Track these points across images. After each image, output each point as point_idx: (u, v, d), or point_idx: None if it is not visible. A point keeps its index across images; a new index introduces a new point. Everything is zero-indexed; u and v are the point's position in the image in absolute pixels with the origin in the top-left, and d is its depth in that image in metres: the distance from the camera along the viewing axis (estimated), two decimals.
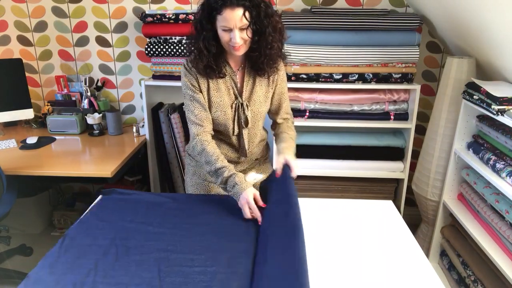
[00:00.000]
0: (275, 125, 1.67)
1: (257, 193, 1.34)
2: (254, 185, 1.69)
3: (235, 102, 1.49)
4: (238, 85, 1.50)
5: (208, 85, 1.47)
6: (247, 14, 1.29)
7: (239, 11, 1.28)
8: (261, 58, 1.41)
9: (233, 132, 1.53)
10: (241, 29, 1.31)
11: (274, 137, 1.67)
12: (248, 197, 1.31)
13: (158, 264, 1.09)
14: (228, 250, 1.16)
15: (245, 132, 1.55)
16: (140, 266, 1.09)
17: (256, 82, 1.51)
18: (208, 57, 1.38)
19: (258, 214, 1.30)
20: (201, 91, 1.47)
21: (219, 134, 1.57)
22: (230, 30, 1.31)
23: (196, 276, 1.05)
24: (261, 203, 1.32)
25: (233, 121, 1.51)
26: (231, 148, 1.60)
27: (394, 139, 2.39)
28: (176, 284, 1.01)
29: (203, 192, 1.63)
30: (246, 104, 1.50)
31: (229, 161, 1.64)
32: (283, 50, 1.48)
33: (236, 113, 1.50)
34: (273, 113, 1.64)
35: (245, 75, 1.50)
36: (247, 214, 1.31)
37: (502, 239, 1.67)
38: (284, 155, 1.45)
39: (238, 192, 1.34)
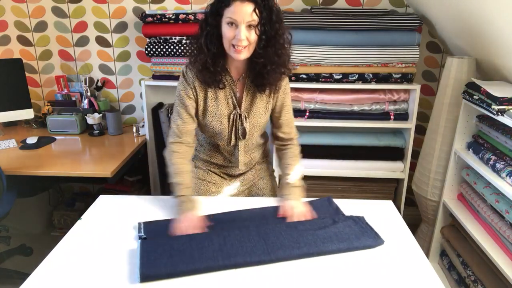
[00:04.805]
0: (277, 140, 1.59)
1: (192, 226, 1.28)
2: (253, 185, 1.69)
3: (233, 112, 1.44)
4: (238, 95, 1.44)
5: (206, 93, 1.41)
6: (257, 11, 1.23)
7: (249, 7, 1.22)
8: (267, 68, 1.33)
9: (229, 142, 1.49)
10: (248, 27, 1.25)
11: (276, 153, 1.61)
12: (193, 219, 1.28)
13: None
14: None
15: (241, 143, 1.50)
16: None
17: (257, 92, 1.44)
18: (207, 55, 1.31)
19: (191, 231, 1.25)
20: (196, 101, 1.42)
21: (215, 142, 1.53)
22: (236, 25, 1.24)
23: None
24: (203, 229, 1.27)
25: (230, 132, 1.46)
26: (226, 157, 1.58)
27: (394, 139, 2.39)
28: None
29: (201, 192, 1.63)
30: (245, 116, 1.44)
31: (225, 167, 1.63)
32: (289, 65, 1.41)
33: (234, 124, 1.45)
34: (274, 125, 1.56)
35: (245, 85, 1.43)
36: (182, 227, 1.26)
37: (502, 239, 1.67)
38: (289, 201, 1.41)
39: (184, 209, 1.31)
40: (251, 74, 1.41)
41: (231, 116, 1.44)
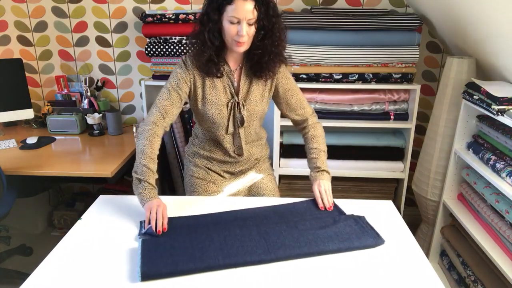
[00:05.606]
0: (295, 124, 1.68)
1: (165, 208, 1.30)
2: (253, 184, 1.70)
3: (231, 101, 1.49)
4: (235, 84, 1.50)
5: (204, 81, 1.47)
6: (257, 8, 1.31)
7: (250, 4, 1.30)
8: (265, 57, 1.41)
9: (227, 130, 1.53)
10: (248, 24, 1.33)
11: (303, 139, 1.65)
12: (159, 205, 1.28)
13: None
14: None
15: (241, 131, 1.54)
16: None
17: (253, 81, 1.51)
18: (212, 49, 1.38)
19: (158, 224, 1.25)
20: (194, 88, 1.46)
21: (214, 134, 1.55)
22: (237, 22, 1.32)
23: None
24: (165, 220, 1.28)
25: (228, 120, 1.51)
26: (226, 151, 1.59)
27: (394, 139, 2.39)
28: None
29: (201, 192, 1.63)
30: (243, 104, 1.50)
31: (226, 162, 1.64)
32: (284, 53, 1.48)
33: (232, 112, 1.50)
34: (286, 112, 1.62)
35: (242, 74, 1.50)
36: (153, 216, 1.26)
37: (502, 239, 1.67)
38: (316, 183, 1.48)
39: (146, 198, 1.31)
40: (248, 64, 1.48)
41: (229, 104, 1.49)
